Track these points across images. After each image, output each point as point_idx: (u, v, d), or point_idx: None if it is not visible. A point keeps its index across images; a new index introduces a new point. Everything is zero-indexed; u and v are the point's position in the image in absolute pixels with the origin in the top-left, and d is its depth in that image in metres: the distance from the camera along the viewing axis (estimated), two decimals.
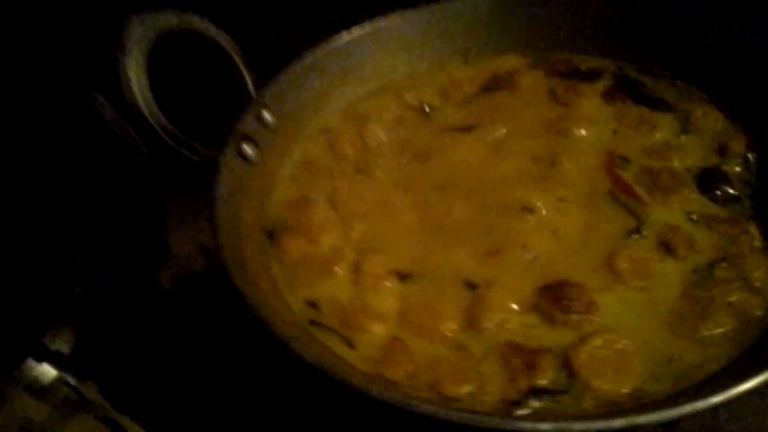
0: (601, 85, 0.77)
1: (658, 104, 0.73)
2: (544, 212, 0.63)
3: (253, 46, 0.78)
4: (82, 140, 0.92)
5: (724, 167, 0.65)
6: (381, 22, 0.82)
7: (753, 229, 0.58)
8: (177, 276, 0.88)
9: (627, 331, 0.53)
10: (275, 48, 0.97)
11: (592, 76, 0.79)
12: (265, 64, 0.80)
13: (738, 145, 0.66)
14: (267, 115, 0.73)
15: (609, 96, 0.75)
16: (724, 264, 0.56)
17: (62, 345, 0.79)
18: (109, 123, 0.78)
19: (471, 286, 0.58)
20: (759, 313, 0.53)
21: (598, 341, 0.52)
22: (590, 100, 0.75)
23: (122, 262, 0.89)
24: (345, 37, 0.80)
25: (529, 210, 0.63)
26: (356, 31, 0.81)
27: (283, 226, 0.67)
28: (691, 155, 0.66)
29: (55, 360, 0.76)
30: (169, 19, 0.69)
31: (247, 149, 0.69)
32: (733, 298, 0.54)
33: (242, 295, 0.52)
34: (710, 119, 0.70)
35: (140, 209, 0.96)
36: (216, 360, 0.71)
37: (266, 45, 0.95)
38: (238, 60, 0.74)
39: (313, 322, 0.58)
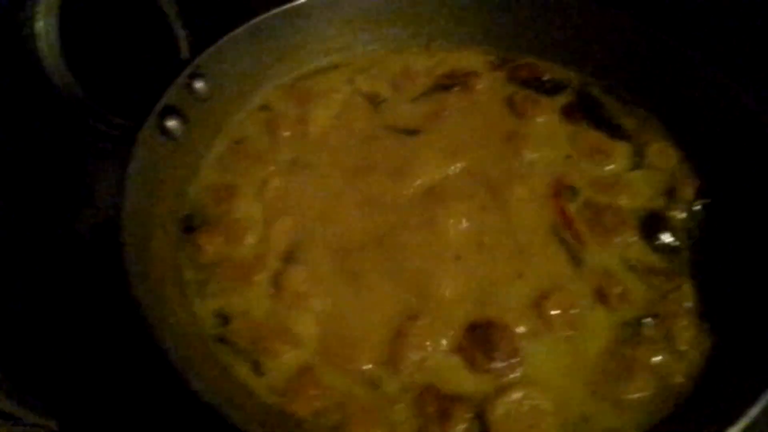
0: (561, 99, 0.73)
1: (615, 131, 0.70)
2: (482, 241, 0.60)
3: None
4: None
5: (669, 213, 0.63)
6: None
7: (687, 287, 0.57)
8: (98, 224, 0.81)
9: (547, 385, 0.51)
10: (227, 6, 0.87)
11: (553, 88, 0.75)
12: (213, 21, 0.71)
13: (687, 190, 0.64)
14: (199, 85, 0.65)
15: (567, 113, 0.72)
16: (653, 321, 0.55)
17: None
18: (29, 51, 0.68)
19: (397, 317, 0.54)
20: (680, 380, 0.52)
21: (517, 394, 0.50)
22: (547, 116, 0.71)
23: (38, 204, 0.80)
24: (299, 3, 0.72)
25: (467, 237, 0.59)
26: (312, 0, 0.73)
27: (202, 218, 0.62)
28: (639, 194, 0.64)
29: None
30: None
31: (172, 123, 0.62)
32: (656, 361, 0.53)
33: (142, 312, 0.47)
34: (665, 156, 0.67)
35: (56, 147, 0.86)
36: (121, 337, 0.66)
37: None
38: (172, 17, 0.66)
39: (221, 339, 0.53)
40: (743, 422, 0.43)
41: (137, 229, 0.54)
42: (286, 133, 0.69)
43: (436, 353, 0.53)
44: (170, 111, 0.61)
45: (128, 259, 0.50)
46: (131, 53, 0.73)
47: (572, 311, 0.55)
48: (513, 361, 0.52)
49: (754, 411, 0.43)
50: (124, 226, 0.52)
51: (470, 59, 0.77)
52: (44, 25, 0.54)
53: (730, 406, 0.45)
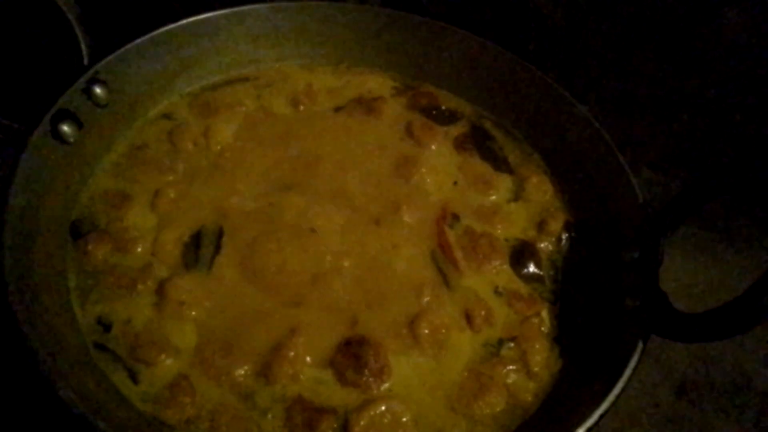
0: (456, 130, 0.78)
1: (501, 163, 0.76)
2: (365, 258, 0.63)
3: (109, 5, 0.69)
4: None
5: (539, 244, 0.69)
6: (252, 7, 0.76)
7: (545, 314, 0.63)
8: None
9: (410, 400, 0.56)
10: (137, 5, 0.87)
11: (450, 118, 0.80)
12: (120, 28, 0.71)
13: (556, 223, 0.70)
14: (99, 91, 0.66)
15: (460, 144, 0.77)
16: (512, 344, 0.61)
17: None
18: None
19: (276, 331, 0.57)
20: (529, 398, 0.58)
21: (380, 408, 0.54)
22: (441, 145, 0.76)
23: None
24: (206, 16, 0.74)
25: (350, 255, 0.63)
26: (223, 12, 0.75)
27: (92, 224, 0.62)
28: (514, 225, 0.70)
29: None
30: None
31: (66, 128, 0.62)
32: (510, 380, 0.58)
33: (16, 318, 0.47)
34: (541, 190, 0.74)
35: None
36: None
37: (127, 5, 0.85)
38: (73, 20, 0.65)
39: (99, 346, 0.54)
40: None
41: (20, 233, 0.54)
42: (189, 145, 0.70)
43: (309, 367, 0.56)
44: (65, 115, 0.61)
45: (5, 262, 0.50)
46: (31, 57, 0.72)
47: (441, 331, 0.60)
48: (381, 377, 0.56)
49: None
50: (5, 229, 0.52)
51: (375, 82, 0.81)
52: None
53: (564, 424, 0.51)
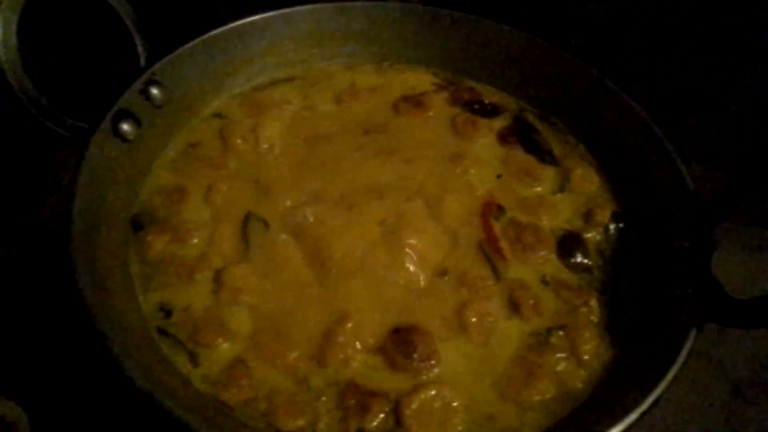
0: (498, 123, 0.79)
1: (545, 155, 0.76)
2: (415, 250, 0.64)
3: (164, 11, 0.73)
4: None
5: (586, 234, 0.69)
6: (297, 10, 0.79)
7: (594, 303, 0.63)
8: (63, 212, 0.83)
9: (459, 386, 0.56)
10: (190, 10, 0.91)
11: (492, 111, 0.80)
12: (174, 32, 0.75)
13: (603, 213, 0.70)
14: (155, 92, 0.69)
15: (503, 137, 0.77)
16: (561, 332, 0.61)
17: None
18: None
19: (328, 318, 0.58)
20: (579, 385, 0.58)
21: (430, 392, 0.55)
22: (485, 138, 0.77)
23: (4, 191, 0.83)
24: (256, 18, 0.77)
25: (400, 246, 0.64)
26: (269, 14, 0.78)
27: (152, 217, 0.65)
28: (560, 215, 0.70)
29: None
30: None
31: (126, 127, 0.65)
32: (560, 368, 0.58)
33: (85, 302, 0.50)
34: (587, 181, 0.73)
35: (26, 137, 0.89)
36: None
37: (181, 10, 0.88)
38: (131, 26, 0.69)
39: (161, 331, 0.57)
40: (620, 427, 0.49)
41: (86, 225, 0.57)
42: (238, 141, 0.73)
43: (360, 353, 0.57)
44: (124, 115, 0.65)
45: (75, 252, 0.53)
46: (92, 60, 0.76)
47: (488, 320, 0.61)
48: (430, 362, 0.57)
49: (631, 417, 0.49)
50: (73, 223, 0.55)
51: (417, 79, 0.83)
52: (4, 33, 0.57)
53: (615, 411, 0.51)
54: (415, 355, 0.57)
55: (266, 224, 0.64)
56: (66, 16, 0.70)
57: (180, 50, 0.71)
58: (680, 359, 0.51)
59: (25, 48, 0.61)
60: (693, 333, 0.53)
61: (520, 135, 0.78)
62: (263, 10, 0.78)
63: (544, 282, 0.64)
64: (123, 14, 0.67)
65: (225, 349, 0.56)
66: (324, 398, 0.54)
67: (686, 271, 0.59)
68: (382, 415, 0.54)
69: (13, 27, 0.57)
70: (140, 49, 0.69)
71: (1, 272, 0.75)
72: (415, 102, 0.79)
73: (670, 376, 0.50)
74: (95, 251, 0.56)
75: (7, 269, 0.74)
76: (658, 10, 0.93)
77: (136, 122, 0.66)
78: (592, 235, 0.69)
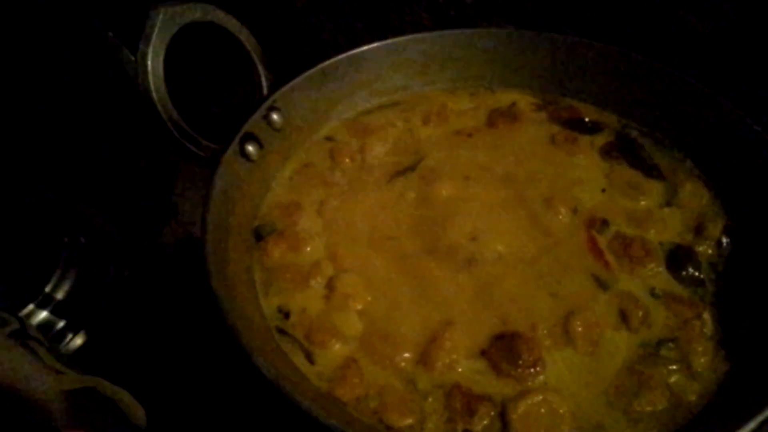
0: (600, 139, 0.79)
1: (651, 170, 0.75)
2: (518, 260, 0.66)
3: (281, 45, 0.81)
4: (105, 92, 0.96)
5: (697, 247, 0.67)
6: (400, 40, 0.84)
7: (707, 316, 0.61)
8: (180, 239, 0.93)
9: (566, 393, 0.56)
10: (304, 43, 0.99)
11: (593, 128, 0.81)
12: (289, 63, 0.82)
13: (715, 227, 0.68)
14: (275, 117, 0.76)
15: (606, 152, 0.78)
16: (672, 344, 0.59)
17: (60, 292, 0.85)
18: (139, 86, 0.81)
19: (433, 322, 0.61)
20: (692, 398, 0.56)
21: (537, 398, 0.55)
22: (587, 153, 0.77)
23: (129, 217, 0.93)
24: (364, 49, 0.83)
25: (502, 256, 0.66)
26: (377, 45, 0.83)
27: (271, 228, 0.71)
28: (668, 229, 0.69)
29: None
30: (194, 12, 0.71)
31: (250, 148, 0.72)
32: (672, 380, 0.57)
33: (217, 299, 0.56)
34: (697, 196, 0.72)
35: (153, 166, 1.00)
36: (195, 332, 0.76)
37: (295, 40, 0.97)
38: (256, 59, 0.77)
39: (281, 331, 0.62)
40: None
41: (217, 235, 0.63)
42: (347, 161, 0.78)
43: (466, 357, 0.59)
44: (249, 137, 0.72)
45: (209, 258, 0.59)
46: (221, 88, 0.85)
47: (596, 330, 0.60)
48: (535, 369, 0.58)
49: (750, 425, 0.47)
50: (207, 231, 0.62)
51: (514, 99, 0.85)
52: (153, 64, 0.66)
53: (729, 424, 0.49)
54: (520, 362, 0.58)
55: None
56: (198, 50, 0.79)
57: (297, 80, 0.77)
58: None
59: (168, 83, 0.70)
60: None
61: (623, 150, 0.78)
62: (369, 42, 0.84)
63: (654, 294, 0.63)
64: (250, 49, 0.75)
65: (338, 349, 0.60)
66: (431, 399, 0.56)
67: None
68: (488, 419, 0.55)
69: (162, 57, 0.65)
70: (263, 79, 0.76)
71: (126, 290, 0.84)
72: (509, 116, 0.82)
73: None
74: (224, 257, 0.63)
75: (131, 288, 0.84)
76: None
77: (259, 144, 0.73)
78: (703, 249, 0.67)
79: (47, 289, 0.84)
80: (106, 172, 1.00)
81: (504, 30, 0.87)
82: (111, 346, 0.81)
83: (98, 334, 0.83)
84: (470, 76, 0.88)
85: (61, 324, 0.83)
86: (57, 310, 0.83)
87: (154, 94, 0.66)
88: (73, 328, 0.83)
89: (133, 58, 0.73)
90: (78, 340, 0.82)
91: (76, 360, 0.79)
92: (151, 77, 0.66)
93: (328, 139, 0.82)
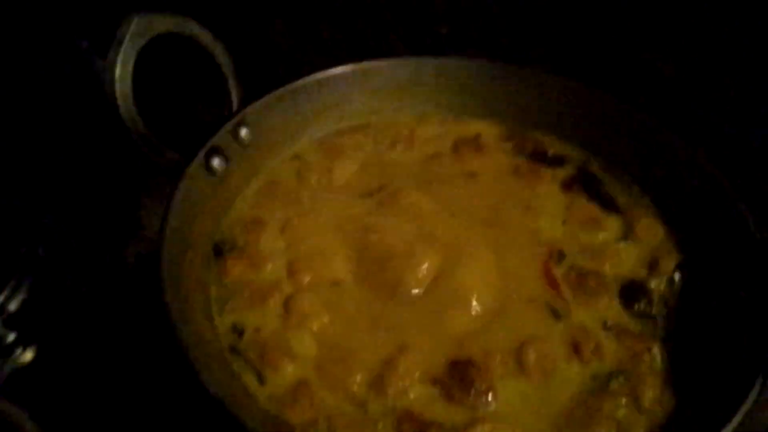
0: (562, 172, 0.81)
1: (609, 205, 0.77)
2: (476, 287, 0.66)
3: (256, 63, 0.81)
4: (75, 101, 0.94)
5: (650, 283, 0.68)
6: (372, 64, 0.85)
7: (656, 350, 0.62)
8: (142, 254, 0.91)
9: (516, 423, 0.57)
10: (279, 62, 1.00)
11: (556, 161, 0.82)
12: (263, 81, 0.83)
13: (668, 263, 0.70)
14: (243, 133, 0.76)
15: (567, 185, 0.79)
16: (621, 378, 0.60)
17: (12, 303, 0.82)
18: (105, 92, 0.80)
19: (388, 347, 0.61)
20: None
21: (487, 426, 0.56)
22: (549, 186, 0.79)
23: (91, 230, 0.91)
24: (336, 71, 0.83)
25: (461, 283, 0.66)
26: (349, 68, 0.84)
27: (231, 245, 0.70)
28: (623, 264, 0.70)
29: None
30: (167, 23, 0.71)
31: (215, 162, 0.72)
32: (620, 414, 0.58)
33: (169, 314, 0.55)
34: (652, 231, 0.73)
35: (119, 180, 0.98)
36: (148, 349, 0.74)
37: (270, 58, 0.97)
38: (228, 74, 0.77)
39: (233, 350, 0.61)
40: None
41: (175, 248, 0.63)
42: (313, 180, 0.79)
43: (419, 382, 0.59)
44: (215, 151, 0.71)
45: (164, 272, 0.59)
46: (192, 101, 0.85)
47: (548, 360, 0.61)
48: (487, 397, 0.58)
49: None
50: (164, 244, 0.61)
51: (480, 129, 0.86)
52: (122, 71, 0.66)
53: None
54: (472, 390, 0.58)
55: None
56: (168, 61, 0.79)
57: (267, 97, 0.78)
58: (744, 408, 0.50)
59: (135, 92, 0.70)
60: (759, 382, 0.51)
61: (584, 184, 0.79)
62: (343, 63, 0.85)
63: (606, 327, 0.64)
64: (222, 63, 0.75)
65: (290, 370, 0.59)
66: (381, 425, 0.56)
67: (751, 321, 0.58)
68: None
69: (131, 64, 0.65)
70: (234, 94, 0.76)
71: (82, 305, 0.82)
72: (474, 146, 0.83)
73: (733, 423, 0.49)
74: (180, 271, 0.62)
75: (87, 303, 0.82)
76: (736, 69, 0.94)
77: (225, 159, 0.73)
78: (656, 284, 0.68)
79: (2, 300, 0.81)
80: (72, 183, 0.98)
81: (475, 61, 0.88)
82: (62, 361, 0.79)
83: (50, 349, 0.80)
84: (440, 103, 0.89)
85: (11, 337, 0.80)
86: (8, 322, 0.81)
87: (119, 101, 0.66)
88: (24, 342, 0.80)
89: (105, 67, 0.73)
90: (28, 355, 0.79)
91: (25, 375, 0.77)
92: (118, 84, 0.66)
93: (296, 157, 0.82)
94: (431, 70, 0.87)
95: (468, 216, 0.73)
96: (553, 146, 0.84)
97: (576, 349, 0.62)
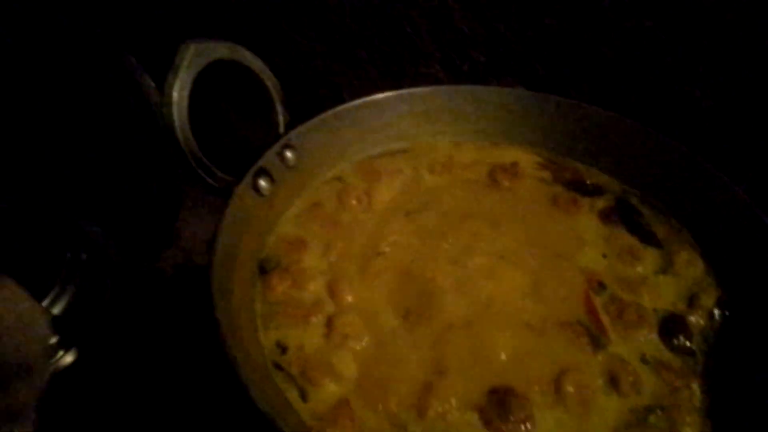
0: (601, 203, 0.82)
1: (649, 237, 0.77)
2: (517, 315, 0.67)
3: (299, 86, 0.84)
4: (123, 114, 0.98)
5: (689, 318, 0.68)
6: (414, 91, 0.87)
7: (695, 387, 0.62)
8: (179, 264, 0.94)
9: None
10: (319, 85, 1.03)
11: (594, 191, 0.83)
12: (306, 104, 0.85)
13: (708, 298, 0.70)
14: (289, 155, 0.78)
15: (605, 216, 0.80)
16: (660, 412, 0.60)
17: (57, 307, 0.85)
18: (153, 106, 0.83)
19: (428, 371, 0.62)
20: None
21: None
22: (587, 216, 0.80)
23: (130, 239, 0.94)
24: (380, 97, 0.86)
25: (503, 309, 0.67)
26: (391, 94, 0.87)
27: (276, 263, 0.72)
28: (663, 297, 0.70)
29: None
30: (221, 50, 0.74)
31: (263, 183, 0.74)
32: None
33: (219, 330, 0.57)
34: (692, 266, 0.74)
35: (159, 191, 1.02)
36: (187, 359, 0.76)
37: (312, 86, 1.00)
38: (276, 98, 0.80)
39: (277, 366, 0.62)
40: None
41: (223, 265, 0.65)
42: (353, 202, 0.80)
43: (458, 408, 0.60)
44: (263, 172, 0.74)
45: (215, 288, 0.60)
46: (240, 124, 0.88)
47: (587, 391, 0.61)
48: (525, 426, 0.58)
49: None
50: (215, 261, 0.63)
51: (518, 157, 0.88)
52: (179, 97, 0.69)
53: None
54: (511, 417, 0.58)
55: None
56: (221, 86, 0.82)
57: (313, 120, 0.80)
58: None
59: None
60: None
61: (622, 215, 0.80)
62: (382, 89, 0.87)
63: (644, 360, 0.65)
64: (271, 88, 0.78)
65: (331, 389, 0.61)
66: None
67: None
68: None
69: (188, 90, 0.68)
70: (280, 117, 0.79)
71: (122, 311, 0.84)
72: (512, 172, 0.84)
73: None
74: (229, 287, 0.64)
75: (127, 310, 0.84)
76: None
77: (271, 180, 0.75)
78: (695, 319, 0.68)
79: (44, 304, 0.84)
80: (114, 195, 1.01)
81: (513, 90, 0.90)
82: (101, 366, 0.81)
83: (90, 353, 0.83)
84: (478, 130, 0.91)
85: (54, 339, 0.83)
86: (51, 325, 0.83)
87: (176, 124, 0.69)
88: (65, 345, 0.83)
89: (153, 85, 0.76)
90: (68, 358, 0.82)
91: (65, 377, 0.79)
92: (175, 108, 0.69)
93: (337, 179, 0.84)
94: (469, 99, 0.89)
95: (509, 243, 0.74)
96: (591, 176, 0.85)
97: (614, 381, 0.62)
